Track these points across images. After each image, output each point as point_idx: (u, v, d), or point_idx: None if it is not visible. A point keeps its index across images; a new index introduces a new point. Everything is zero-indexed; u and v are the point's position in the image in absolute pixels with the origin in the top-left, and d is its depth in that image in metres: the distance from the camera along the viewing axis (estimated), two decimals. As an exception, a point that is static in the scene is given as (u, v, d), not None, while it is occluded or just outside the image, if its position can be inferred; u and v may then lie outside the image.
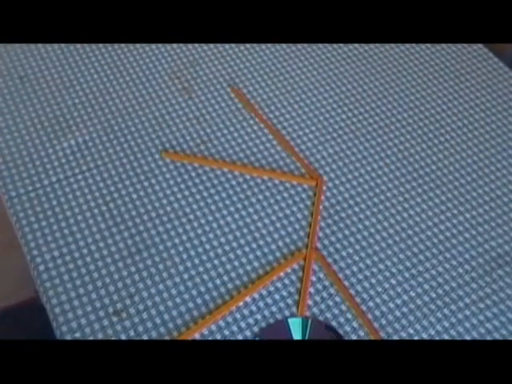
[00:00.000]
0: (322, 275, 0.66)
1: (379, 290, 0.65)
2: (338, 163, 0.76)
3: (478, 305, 0.65)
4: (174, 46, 0.87)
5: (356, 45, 0.90)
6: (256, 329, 0.61)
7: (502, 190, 0.75)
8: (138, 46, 0.86)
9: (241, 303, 0.63)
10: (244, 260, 0.66)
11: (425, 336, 0.62)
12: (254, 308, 0.63)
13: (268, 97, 0.82)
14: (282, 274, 0.66)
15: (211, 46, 0.87)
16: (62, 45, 0.85)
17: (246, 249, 0.67)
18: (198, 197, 0.71)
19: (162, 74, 0.83)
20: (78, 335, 0.60)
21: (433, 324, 0.63)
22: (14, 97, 0.79)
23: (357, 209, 0.72)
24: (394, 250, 0.69)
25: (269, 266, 0.66)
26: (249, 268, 0.66)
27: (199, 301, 0.63)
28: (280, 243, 0.68)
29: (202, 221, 0.69)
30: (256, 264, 0.66)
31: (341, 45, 0.89)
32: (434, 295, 0.65)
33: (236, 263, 0.66)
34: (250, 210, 0.70)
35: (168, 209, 0.69)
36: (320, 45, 0.89)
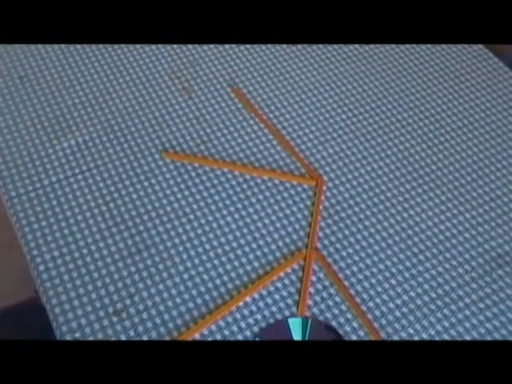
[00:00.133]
0: (322, 275, 0.66)
1: (379, 290, 0.65)
2: (338, 163, 0.76)
3: (477, 305, 0.65)
4: (174, 46, 0.87)
5: (356, 45, 0.90)
6: (256, 329, 0.61)
7: (502, 190, 0.75)
8: (137, 46, 0.86)
9: (241, 303, 0.63)
10: (244, 260, 0.66)
11: (425, 336, 0.62)
12: (254, 308, 0.63)
13: (268, 97, 0.82)
14: (282, 273, 0.66)
15: (211, 46, 0.87)
16: (62, 45, 0.85)
17: (246, 249, 0.67)
18: (198, 197, 0.71)
19: (162, 74, 0.83)
20: (77, 335, 0.60)
21: (433, 324, 0.63)
22: (13, 97, 0.79)
23: (357, 209, 0.72)
24: (393, 250, 0.69)
25: (269, 266, 0.66)
26: (249, 268, 0.66)
27: (199, 301, 0.63)
28: (280, 243, 0.68)
29: (202, 221, 0.69)
30: (256, 264, 0.66)
31: (341, 45, 0.89)
32: (433, 295, 0.65)
33: (236, 263, 0.66)
34: (250, 209, 0.70)
35: (168, 209, 0.69)
36: (320, 45, 0.89)
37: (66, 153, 0.73)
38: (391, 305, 0.64)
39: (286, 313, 0.63)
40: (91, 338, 0.60)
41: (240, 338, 0.61)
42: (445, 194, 0.74)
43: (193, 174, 0.73)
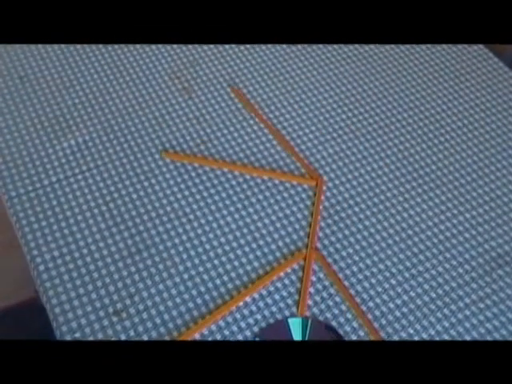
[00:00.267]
0: (322, 275, 0.66)
1: (379, 290, 0.65)
2: (338, 163, 0.76)
3: (478, 305, 0.65)
4: (174, 46, 0.87)
5: (356, 45, 0.90)
6: (256, 329, 0.61)
7: (502, 190, 0.75)
8: (137, 46, 0.86)
9: (241, 303, 0.63)
10: (244, 260, 0.66)
11: (425, 336, 0.62)
12: (254, 308, 0.63)
13: (268, 97, 0.82)
14: (282, 273, 0.66)
15: (211, 46, 0.87)
16: (62, 45, 0.85)
17: (246, 249, 0.67)
18: (198, 197, 0.71)
19: (162, 74, 0.83)
20: (77, 335, 0.60)
21: (433, 324, 0.63)
22: (13, 97, 0.79)
23: (357, 209, 0.72)
24: (394, 250, 0.69)
25: (269, 266, 0.66)
26: (249, 268, 0.66)
27: (199, 301, 0.63)
28: (280, 243, 0.68)
29: (202, 221, 0.69)
30: (256, 264, 0.66)
31: (341, 45, 0.89)
32: (433, 295, 0.65)
33: (236, 263, 0.66)
34: (250, 209, 0.70)
35: (168, 209, 0.69)
36: (320, 45, 0.89)
37: (65, 153, 0.73)
38: (391, 305, 0.64)
39: (286, 313, 0.63)
40: (91, 338, 0.60)
41: (240, 338, 0.61)
42: (445, 194, 0.74)
43: (193, 174, 0.73)
